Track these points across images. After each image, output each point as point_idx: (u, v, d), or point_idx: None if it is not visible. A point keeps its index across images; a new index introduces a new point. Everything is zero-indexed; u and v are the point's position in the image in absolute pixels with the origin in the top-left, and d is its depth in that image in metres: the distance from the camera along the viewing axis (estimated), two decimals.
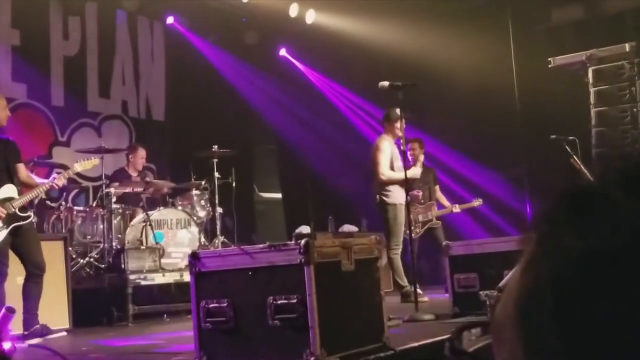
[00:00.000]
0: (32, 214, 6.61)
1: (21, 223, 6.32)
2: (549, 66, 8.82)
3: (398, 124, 7.48)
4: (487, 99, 10.58)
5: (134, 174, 9.19)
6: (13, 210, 6.26)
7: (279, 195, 13.30)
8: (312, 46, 12.21)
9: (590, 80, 9.08)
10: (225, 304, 3.98)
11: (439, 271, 9.50)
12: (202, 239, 8.53)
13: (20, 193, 6.40)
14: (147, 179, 8.88)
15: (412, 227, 9.14)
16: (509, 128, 10.31)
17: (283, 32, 12.21)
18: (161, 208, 8.55)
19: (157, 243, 8.10)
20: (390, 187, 7.96)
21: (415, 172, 8.13)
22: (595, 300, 0.54)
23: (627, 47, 8.95)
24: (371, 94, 10.80)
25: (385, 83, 6.48)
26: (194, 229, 8.50)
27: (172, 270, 8.03)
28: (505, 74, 10.88)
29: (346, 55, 11.90)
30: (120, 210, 8.39)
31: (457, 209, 9.57)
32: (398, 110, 7.53)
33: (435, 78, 10.81)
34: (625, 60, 8.92)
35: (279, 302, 3.83)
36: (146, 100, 11.22)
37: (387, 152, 7.93)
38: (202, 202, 8.91)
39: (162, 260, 8.08)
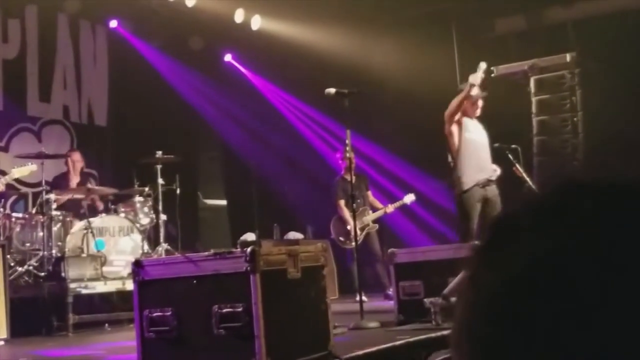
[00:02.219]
0: None
1: None
2: (492, 75, 8.94)
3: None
4: (432, 107, 10.64)
5: (75, 179, 9.00)
6: None
7: (223, 202, 13.19)
8: (258, 52, 12.16)
9: (532, 90, 9.25)
10: (169, 313, 3.91)
11: (374, 277, 9.56)
12: (145, 247, 8.39)
13: None
14: (89, 185, 8.70)
15: (351, 237, 9.22)
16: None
17: (228, 38, 12.13)
18: (103, 215, 8.39)
19: (98, 251, 7.93)
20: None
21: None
22: (499, 336, 0.57)
23: (567, 57, 9.15)
24: (317, 101, 10.80)
25: (332, 90, 6.48)
26: (137, 237, 8.36)
27: (114, 279, 7.87)
28: (450, 82, 10.99)
29: (292, 62, 11.88)
30: (60, 217, 8.19)
31: (390, 208, 9.67)
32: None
33: (381, 86, 10.88)
34: (566, 70, 9.12)
35: (224, 310, 3.78)
36: (88, 105, 11.01)
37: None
38: (146, 209, 8.77)
39: (104, 269, 7.91)
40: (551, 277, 0.56)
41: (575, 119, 9.02)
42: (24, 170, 6.91)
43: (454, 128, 7.30)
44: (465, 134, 7.27)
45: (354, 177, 8.52)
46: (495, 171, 7.31)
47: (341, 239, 9.51)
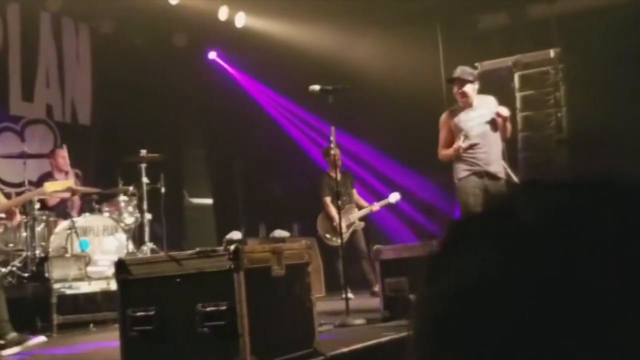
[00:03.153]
0: None
1: None
2: (476, 71, 8.94)
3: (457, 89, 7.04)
4: (416, 104, 10.67)
5: (60, 178, 8.93)
6: None
7: (209, 201, 13.15)
8: (242, 50, 12.12)
9: (517, 86, 9.27)
10: (152, 312, 3.88)
11: (360, 274, 9.56)
12: (130, 246, 8.34)
13: None
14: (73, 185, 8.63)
15: (337, 234, 9.23)
16: (438, 133, 10.41)
17: (212, 36, 12.09)
18: (87, 214, 8.34)
19: (82, 251, 7.88)
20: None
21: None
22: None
23: (551, 53, 9.17)
24: (302, 98, 10.78)
25: (316, 87, 6.48)
26: (122, 236, 8.31)
27: (99, 279, 7.83)
28: (434, 78, 11.00)
29: (276, 59, 11.85)
30: (44, 218, 8.13)
31: (376, 207, 9.68)
32: (464, 68, 7.11)
33: (366, 82, 10.86)
34: (550, 66, 9.14)
35: (208, 309, 3.76)
36: (72, 103, 10.94)
37: (444, 127, 7.23)
38: (130, 209, 8.72)
39: (88, 269, 7.87)
40: (486, 295, 0.53)
41: (559, 114, 9.05)
42: (58, 185, 6.73)
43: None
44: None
45: (339, 174, 8.54)
46: (505, 168, 7.23)
47: (327, 235, 9.51)
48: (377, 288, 7.06)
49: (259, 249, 4.05)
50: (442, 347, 0.56)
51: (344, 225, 9.18)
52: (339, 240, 8.87)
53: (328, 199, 9.42)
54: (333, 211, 9.20)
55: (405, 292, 5.87)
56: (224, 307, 3.72)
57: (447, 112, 7.16)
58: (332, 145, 6.63)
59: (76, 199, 8.77)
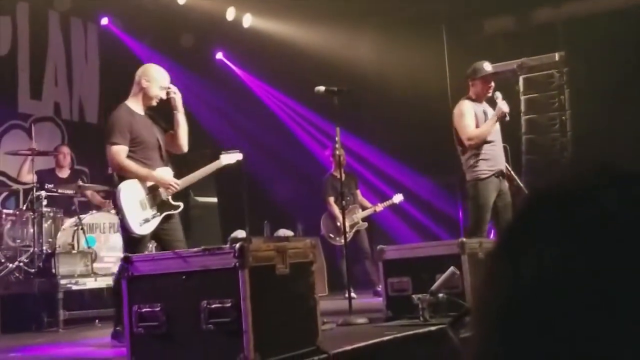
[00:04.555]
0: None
1: (172, 212, 5.72)
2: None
3: (488, 84, 6.98)
4: (421, 107, 10.73)
5: (63, 175, 9.02)
6: (166, 197, 5.68)
7: (214, 200, 13.20)
8: (249, 50, 12.19)
9: (521, 89, 9.30)
10: (158, 309, 3.94)
11: (363, 274, 9.64)
12: None
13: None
14: (80, 182, 8.72)
15: (341, 234, 9.31)
16: (443, 135, 10.45)
17: (220, 36, 12.16)
18: (94, 212, 8.42)
19: (89, 247, 7.96)
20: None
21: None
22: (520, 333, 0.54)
23: (556, 56, 9.21)
24: (308, 99, 10.84)
25: (322, 88, 6.53)
26: None
27: (105, 275, 7.90)
28: (440, 82, 11.06)
29: (283, 60, 11.91)
30: (51, 214, 8.21)
31: (379, 207, 9.76)
32: (487, 65, 7.08)
33: (372, 85, 10.93)
34: (554, 69, 9.18)
35: (213, 306, 3.81)
36: (79, 102, 11.02)
37: (470, 113, 6.99)
38: None
39: (94, 265, 7.94)
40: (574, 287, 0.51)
41: (563, 117, 9.09)
42: (232, 158, 6.47)
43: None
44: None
45: (343, 175, 8.63)
46: (509, 170, 7.26)
47: (331, 235, 9.58)
48: (380, 288, 7.11)
49: (263, 247, 4.09)
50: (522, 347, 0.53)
51: (347, 225, 9.28)
52: (342, 240, 8.98)
53: (331, 199, 9.50)
54: (336, 211, 9.27)
55: (408, 292, 5.91)
56: (228, 305, 3.77)
57: (467, 100, 7.08)
58: (337, 146, 6.67)
59: (95, 194, 8.87)
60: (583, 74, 9.33)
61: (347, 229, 9.27)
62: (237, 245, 3.83)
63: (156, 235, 5.64)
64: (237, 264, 3.78)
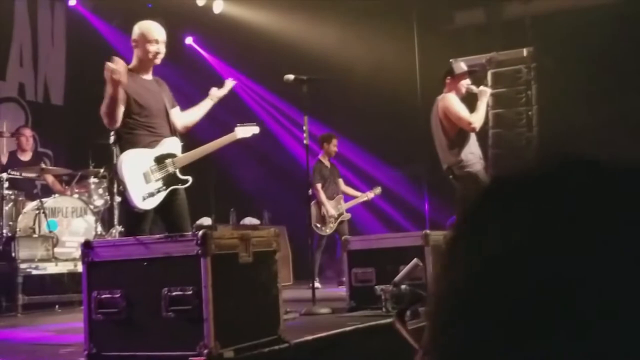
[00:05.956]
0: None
1: (179, 187, 5.32)
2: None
3: (465, 81, 7.14)
4: (390, 97, 10.74)
5: (25, 158, 8.87)
6: (173, 170, 5.27)
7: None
8: (219, 36, 12.09)
9: (489, 83, 9.33)
10: (118, 295, 3.90)
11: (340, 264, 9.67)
12: (99, 229, 8.32)
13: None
14: (43, 165, 8.59)
15: (327, 223, 9.37)
16: (411, 126, 10.49)
17: (190, 21, 12.04)
18: (56, 195, 8.30)
19: (50, 231, 7.85)
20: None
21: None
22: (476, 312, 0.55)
23: (525, 51, 9.25)
24: (277, 87, 10.78)
25: (291, 76, 6.50)
26: (90, 218, 8.29)
27: (66, 260, 7.81)
28: (409, 72, 11.07)
29: (254, 47, 11.83)
30: (12, 197, 8.08)
31: (370, 195, 9.84)
32: (463, 64, 7.25)
33: (341, 73, 10.88)
34: (523, 64, 9.22)
35: (174, 293, 3.78)
36: (44, 83, 10.85)
37: (460, 103, 7.09)
38: (100, 191, 8.68)
39: (56, 250, 7.84)
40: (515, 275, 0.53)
41: (530, 112, 9.13)
42: (248, 131, 6.18)
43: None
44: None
45: (328, 164, 8.94)
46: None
47: (317, 225, 9.53)
48: (345, 278, 7.11)
49: (227, 235, 4.06)
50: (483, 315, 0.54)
51: (334, 214, 9.39)
52: (328, 230, 9.13)
53: (319, 186, 9.50)
54: (323, 197, 9.37)
55: (372, 283, 5.92)
56: (190, 292, 3.74)
57: (450, 94, 7.15)
58: (305, 135, 6.64)
59: (55, 180, 8.74)
60: (550, 70, 9.40)
61: (333, 220, 9.39)
62: (200, 232, 3.79)
63: (159, 210, 5.18)
64: (199, 251, 3.75)
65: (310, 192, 9.39)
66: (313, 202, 9.60)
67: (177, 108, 5.56)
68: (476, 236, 0.57)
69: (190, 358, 3.69)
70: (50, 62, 10.95)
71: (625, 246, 0.52)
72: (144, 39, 5.32)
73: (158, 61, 5.40)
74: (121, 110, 5.13)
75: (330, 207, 9.45)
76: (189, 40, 12.44)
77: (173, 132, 5.43)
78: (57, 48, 11.08)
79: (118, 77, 4.87)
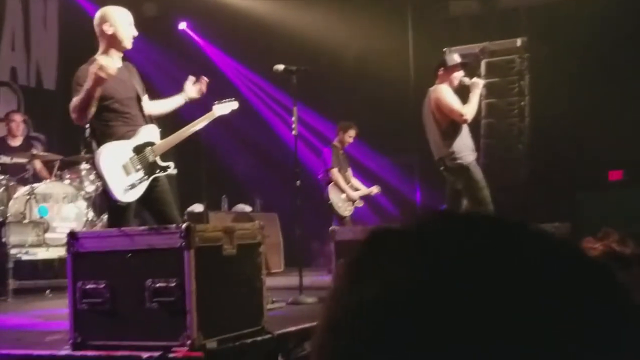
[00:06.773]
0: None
1: (161, 174, 5.27)
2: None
3: (458, 73, 7.15)
4: (383, 86, 10.74)
5: (15, 144, 8.87)
6: (153, 158, 5.22)
7: (173, 172, 13.11)
8: (213, 22, 12.05)
9: (483, 73, 9.34)
10: (102, 286, 3.92)
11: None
12: (90, 215, 8.33)
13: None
14: (34, 150, 8.59)
15: (347, 207, 9.45)
16: (403, 115, 10.50)
17: (183, 6, 12.00)
18: (47, 181, 8.31)
19: (41, 217, 7.87)
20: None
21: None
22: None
23: (518, 42, 9.25)
24: (270, 74, 10.74)
25: (280, 66, 6.51)
26: (82, 204, 8.30)
27: (57, 246, 7.81)
28: (402, 62, 11.06)
29: (247, 34, 11.81)
30: (3, 182, 8.09)
31: (375, 190, 9.86)
32: (457, 56, 7.26)
33: (333, 62, 10.89)
34: (516, 54, 9.23)
35: (157, 285, 3.81)
36: (37, 67, 10.83)
37: (453, 94, 7.11)
38: (92, 177, 8.67)
39: (47, 235, 7.86)
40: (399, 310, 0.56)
41: (522, 103, 9.16)
42: (227, 107, 6.08)
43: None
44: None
45: (340, 152, 9.33)
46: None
47: (339, 205, 9.53)
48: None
49: (210, 228, 4.09)
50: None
51: (356, 198, 9.51)
52: (346, 212, 9.44)
53: (335, 170, 9.51)
54: (342, 182, 9.37)
55: None
56: (173, 284, 3.77)
57: (443, 85, 7.16)
58: (294, 126, 6.64)
59: (43, 169, 8.73)
60: (543, 61, 9.41)
61: (349, 205, 9.47)
62: (184, 225, 3.82)
63: (143, 200, 5.14)
64: (183, 244, 3.77)
65: (320, 177, 9.52)
66: (331, 184, 9.57)
67: (146, 97, 5.46)
68: (360, 278, 0.61)
69: (173, 348, 3.73)
70: (43, 46, 10.92)
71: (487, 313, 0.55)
72: (122, 22, 5.28)
73: (130, 45, 5.32)
74: (94, 108, 5.06)
75: (351, 191, 9.51)
76: (182, 26, 12.40)
77: (148, 119, 5.33)
78: (49, 32, 11.04)
79: (105, 75, 4.80)
